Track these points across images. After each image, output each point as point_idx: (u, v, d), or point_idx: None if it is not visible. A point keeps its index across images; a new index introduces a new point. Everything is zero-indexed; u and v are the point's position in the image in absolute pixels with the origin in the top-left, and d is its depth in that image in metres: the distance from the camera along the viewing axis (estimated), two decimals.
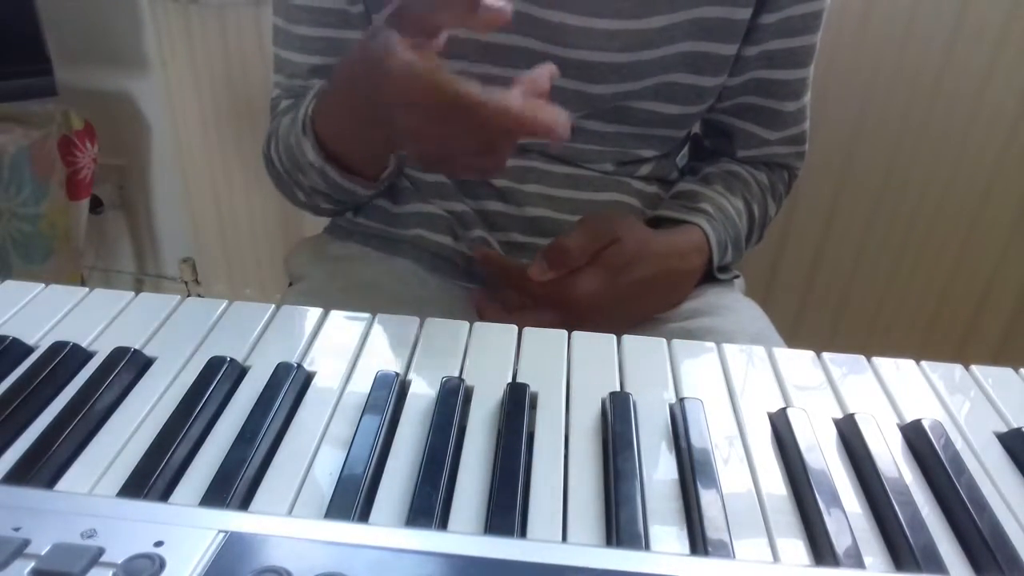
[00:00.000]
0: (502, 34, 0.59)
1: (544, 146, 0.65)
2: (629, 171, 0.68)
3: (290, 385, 0.37)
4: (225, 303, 0.44)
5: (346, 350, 0.41)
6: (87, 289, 0.45)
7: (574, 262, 0.56)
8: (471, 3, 0.43)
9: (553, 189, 0.66)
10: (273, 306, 0.44)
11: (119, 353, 0.38)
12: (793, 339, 0.61)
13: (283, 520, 0.27)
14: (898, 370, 0.42)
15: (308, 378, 0.38)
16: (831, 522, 0.30)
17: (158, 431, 0.34)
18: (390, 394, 0.36)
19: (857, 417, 0.36)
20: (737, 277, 0.71)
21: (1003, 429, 0.38)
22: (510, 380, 0.39)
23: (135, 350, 0.39)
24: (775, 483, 0.34)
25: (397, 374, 0.38)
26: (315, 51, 0.64)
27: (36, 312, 0.43)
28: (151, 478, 0.31)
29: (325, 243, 0.71)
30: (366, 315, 0.43)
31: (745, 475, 0.34)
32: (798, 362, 0.42)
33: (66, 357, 0.38)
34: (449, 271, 0.67)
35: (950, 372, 0.42)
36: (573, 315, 0.56)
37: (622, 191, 0.68)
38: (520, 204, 0.66)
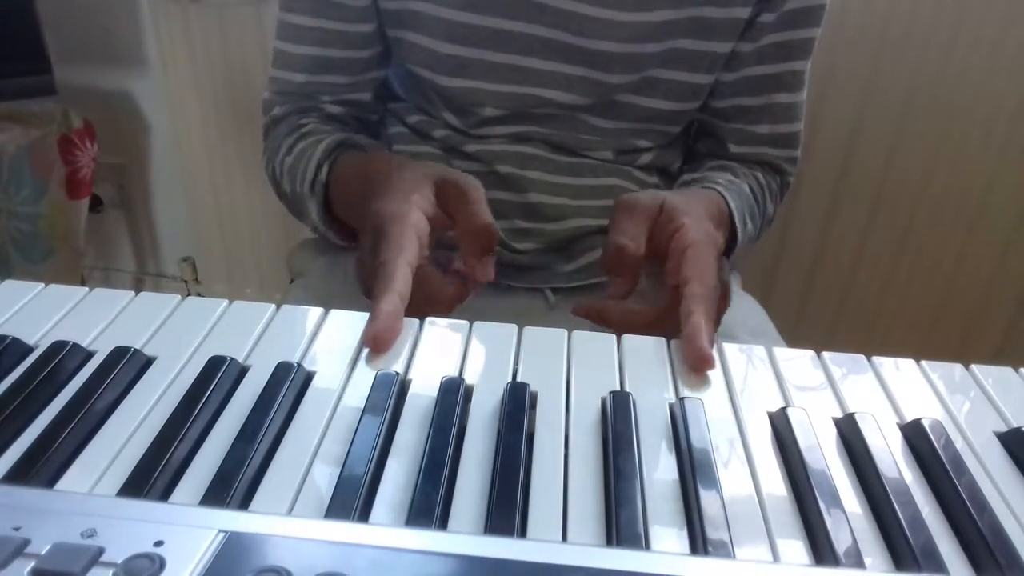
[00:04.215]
0: (514, 21, 0.61)
1: (546, 135, 0.65)
2: (629, 160, 0.69)
3: (290, 385, 0.37)
4: (225, 303, 0.44)
5: (346, 350, 0.41)
6: (87, 289, 0.44)
7: (633, 254, 0.50)
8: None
9: (555, 176, 0.66)
10: (273, 306, 0.44)
11: (119, 353, 0.38)
12: (793, 339, 0.61)
13: (283, 520, 0.27)
14: (898, 370, 0.42)
15: (308, 378, 0.38)
16: (831, 522, 0.30)
17: (158, 431, 0.34)
18: (390, 394, 0.36)
19: (857, 417, 0.36)
20: (732, 268, 0.71)
21: (1003, 429, 0.38)
22: (510, 380, 0.39)
23: (135, 350, 0.38)
24: (775, 483, 0.33)
25: (397, 374, 0.38)
26: (310, 41, 0.64)
27: (36, 312, 0.42)
28: (151, 478, 0.31)
29: (327, 240, 0.72)
30: (366, 315, 0.43)
31: (745, 475, 0.34)
32: (798, 362, 0.42)
33: (66, 357, 0.38)
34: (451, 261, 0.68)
35: (950, 372, 0.42)
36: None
37: (622, 177, 0.68)
38: (522, 191, 0.66)
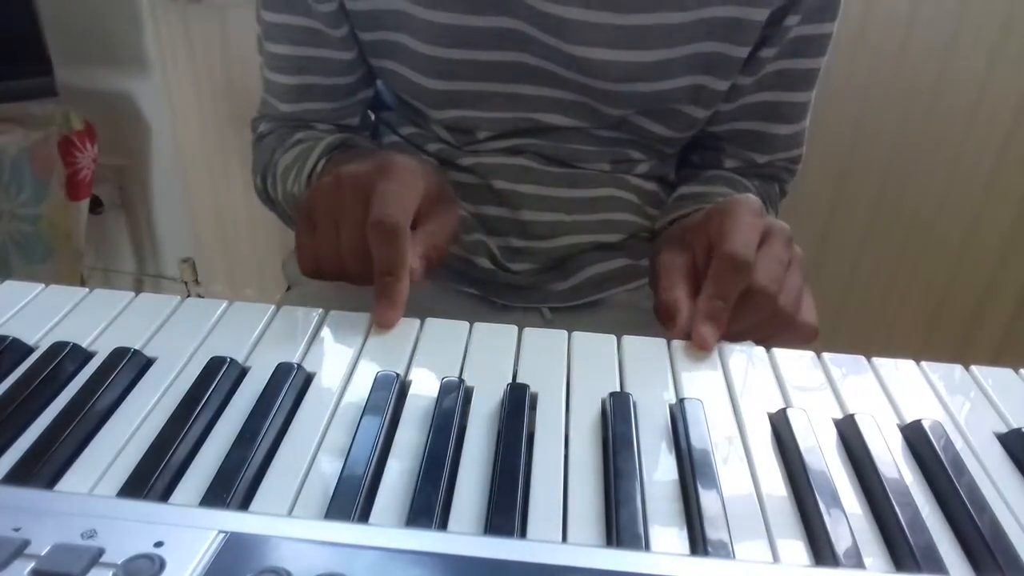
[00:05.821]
0: (502, 52, 0.59)
1: (540, 147, 0.65)
2: (626, 169, 0.68)
3: (290, 385, 0.37)
4: (225, 303, 0.44)
5: (346, 350, 0.41)
6: (87, 289, 0.44)
7: (684, 308, 0.46)
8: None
9: (550, 189, 0.65)
10: (273, 306, 0.44)
11: (119, 353, 0.38)
12: None
13: (283, 520, 0.27)
14: (898, 370, 0.42)
15: (308, 378, 0.38)
16: (831, 522, 0.30)
17: (158, 431, 0.34)
18: (390, 394, 0.36)
19: (857, 417, 0.36)
20: None
21: (1003, 429, 0.38)
22: (510, 380, 0.39)
23: (135, 350, 0.39)
24: (775, 483, 0.34)
25: (397, 374, 0.38)
26: (293, 70, 0.63)
27: (36, 312, 0.42)
28: (151, 478, 0.31)
29: None
30: (366, 315, 0.43)
31: (745, 475, 0.34)
32: (798, 362, 0.42)
33: (66, 357, 0.38)
34: (447, 275, 0.67)
35: (950, 372, 0.42)
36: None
37: (619, 187, 0.67)
38: (516, 207, 0.65)
